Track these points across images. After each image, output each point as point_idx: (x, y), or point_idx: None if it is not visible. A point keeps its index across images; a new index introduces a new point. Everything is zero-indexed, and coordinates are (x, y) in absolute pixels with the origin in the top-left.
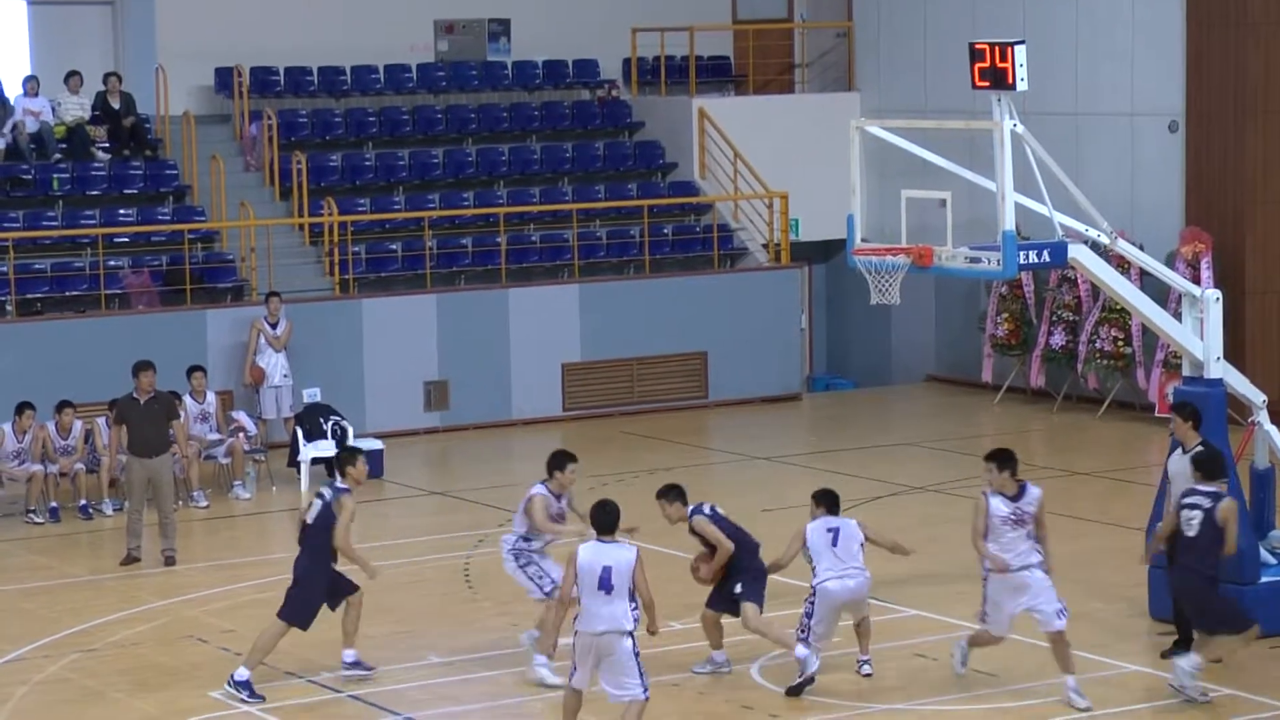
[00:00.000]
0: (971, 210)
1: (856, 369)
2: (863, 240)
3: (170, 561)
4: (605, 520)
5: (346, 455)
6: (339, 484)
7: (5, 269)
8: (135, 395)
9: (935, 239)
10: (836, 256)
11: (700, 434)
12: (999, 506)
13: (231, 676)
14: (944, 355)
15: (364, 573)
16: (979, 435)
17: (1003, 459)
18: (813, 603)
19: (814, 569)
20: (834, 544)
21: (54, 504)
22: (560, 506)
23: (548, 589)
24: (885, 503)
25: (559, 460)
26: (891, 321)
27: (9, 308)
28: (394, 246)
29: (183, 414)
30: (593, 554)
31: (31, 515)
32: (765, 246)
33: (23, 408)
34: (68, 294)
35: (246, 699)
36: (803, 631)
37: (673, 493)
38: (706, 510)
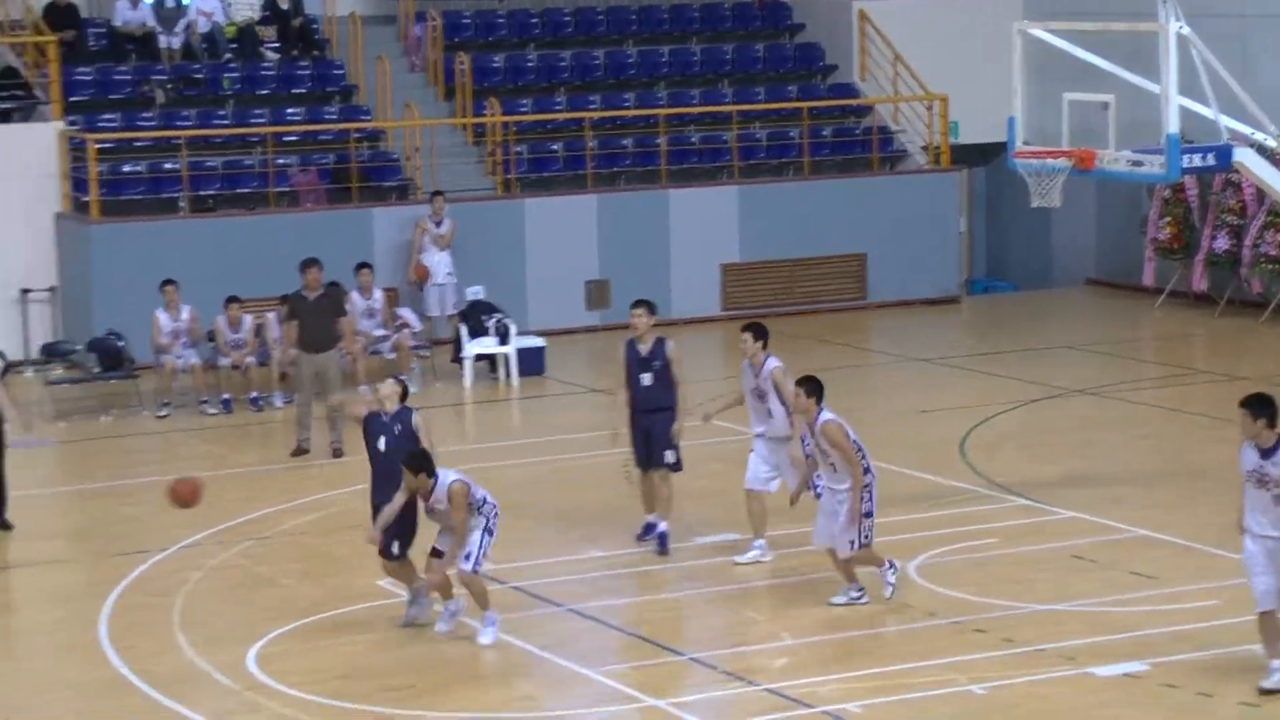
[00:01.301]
0: (1134, 113)
1: (1016, 272)
2: (1024, 143)
3: (338, 453)
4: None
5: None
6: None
7: (178, 166)
8: (304, 291)
9: (1097, 142)
10: (996, 159)
11: (859, 335)
12: (1247, 459)
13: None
14: (1105, 259)
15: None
16: (1139, 339)
17: (1256, 405)
18: (873, 497)
19: (866, 459)
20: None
21: (226, 396)
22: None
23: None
24: (1043, 405)
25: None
26: (1052, 224)
27: (182, 204)
28: (555, 147)
29: (349, 310)
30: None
31: (204, 406)
32: (925, 149)
33: (165, 284)
34: (238, 191)
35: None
36: (866, 537)
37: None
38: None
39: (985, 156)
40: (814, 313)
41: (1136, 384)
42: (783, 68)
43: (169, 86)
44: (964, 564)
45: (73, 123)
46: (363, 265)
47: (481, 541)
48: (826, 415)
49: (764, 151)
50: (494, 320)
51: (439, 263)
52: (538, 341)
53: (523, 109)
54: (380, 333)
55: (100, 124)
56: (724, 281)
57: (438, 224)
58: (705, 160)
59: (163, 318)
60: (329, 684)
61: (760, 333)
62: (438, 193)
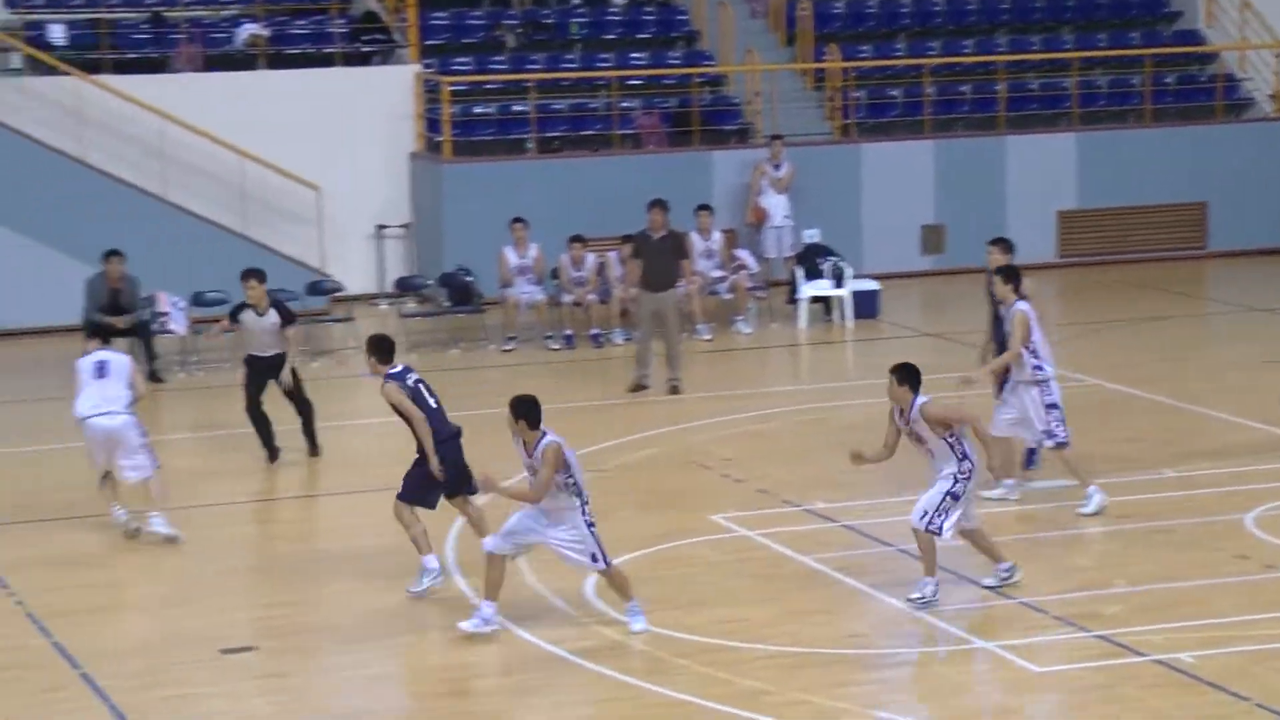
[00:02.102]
0: None
1: None
2: None
3: (676, 390)
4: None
5: None
6: None
7: (527, 108)
8: (649, 231)
9: None
10: None
11: (1197, 283)
12: None
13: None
14: None
15: None
16: None
17: None
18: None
19: (964, 446)
20: None
21: (568, 331)
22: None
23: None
24: None
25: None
26: None
27: (529, 145)
28: (894, 92)
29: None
30: None
31: (548, 341)
32: (1272, 97)
33: (514, 222)
34: (583, 133)
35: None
36: (940, 519)
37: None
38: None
39: None
40: (1152, 261)
41: None
42: (1126, 14)
43: (519, 31)
44: None
45: (428, 66)
46: (702, 207)
47: (595, 536)
48: (922, 399)
49: (1104, 99)
50: (829, 263)
51: (776, 205)
52: (872, 285)
53: (862, 55)
54: (718, 273)
55: (454, 67)
56: (1060, 228)
57: (776, 167)
58: (1044, 107)
59: (510, 254)
60: (662, 615)
61: (1009, 275)
62: (777, 137)
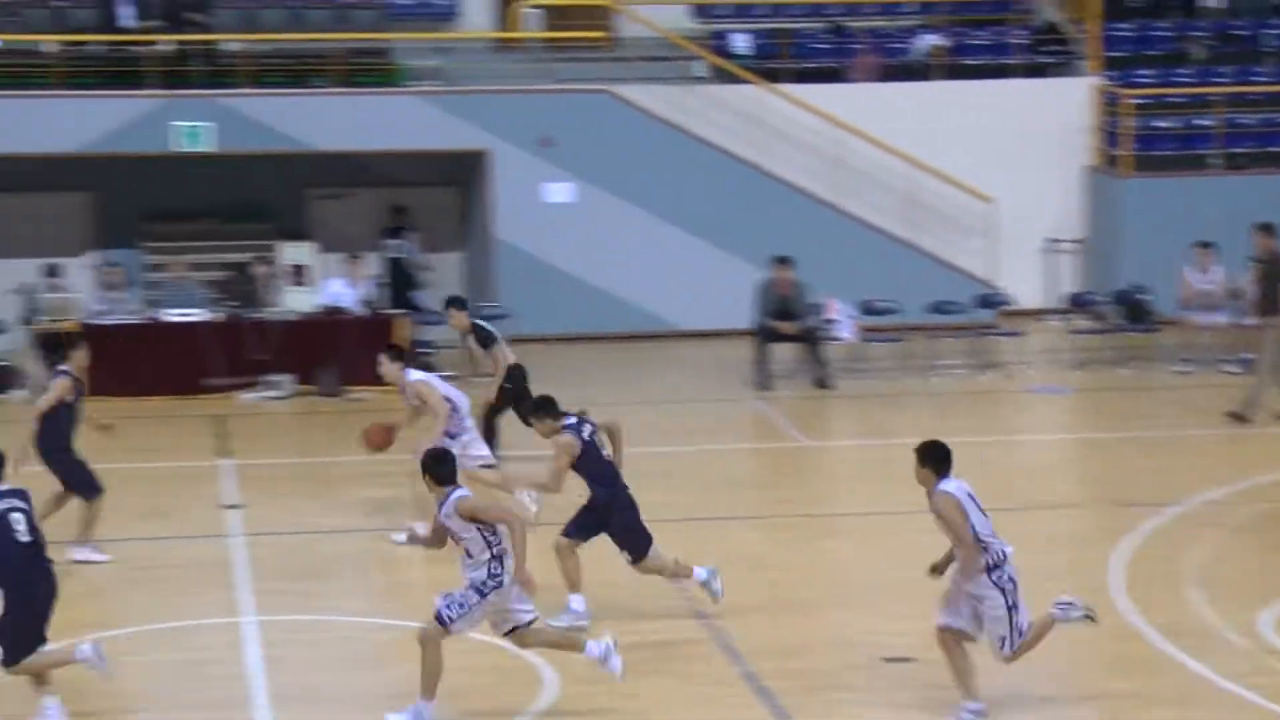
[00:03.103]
0: None
1: None
2: None
3: None
4: None
5: None
6: None
7: (1212, 123)
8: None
9: None
10: None
11: None
12: None
13: None
14: None
15: None
16: None
17: None
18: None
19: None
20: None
21: (1248, 355)
22: None
23: None
24: None
25: None
26: None
27: (1214, 161)
28: None
29: None
30: None
31: (1225, 365)
32: None
33: (1199, 245)
34: (1272, 149)
35: None
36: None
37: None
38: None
39: None
40: None
41: None
42: None
43: (1208, 42)
44: None
45: (1109, 78)
46: None
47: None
48: (943, 485)
49: None
50: None
51: None
52: None
53: None
54: None
55: (1135, 79)
56: None
57: None
58: None
59: (1193, 276)
60: None
61: None
62: None
